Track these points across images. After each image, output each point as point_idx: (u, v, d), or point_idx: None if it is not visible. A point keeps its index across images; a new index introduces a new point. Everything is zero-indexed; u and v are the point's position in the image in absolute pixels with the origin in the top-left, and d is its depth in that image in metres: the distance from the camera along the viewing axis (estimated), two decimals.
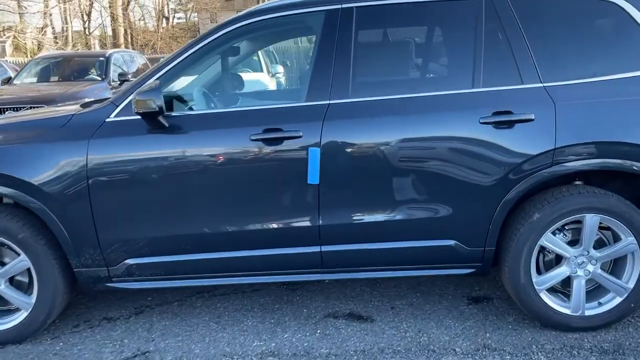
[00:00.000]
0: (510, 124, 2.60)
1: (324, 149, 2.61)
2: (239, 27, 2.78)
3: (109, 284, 2.84)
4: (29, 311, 2.80)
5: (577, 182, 2.81)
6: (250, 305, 3.17)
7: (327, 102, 2.67)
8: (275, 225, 2.72)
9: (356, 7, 2.71)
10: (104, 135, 2.69)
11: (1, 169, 2.67)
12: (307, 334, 2.83)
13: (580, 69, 2.68)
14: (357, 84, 2.72)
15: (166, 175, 2.67)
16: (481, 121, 2.59)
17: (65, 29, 29.27)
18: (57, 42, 27.13)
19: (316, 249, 2.74)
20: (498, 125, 2.60)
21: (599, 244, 2.75)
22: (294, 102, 2.91)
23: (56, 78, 9.31)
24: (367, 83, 2.81)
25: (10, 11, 25.67)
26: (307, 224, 2.70)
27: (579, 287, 2.71)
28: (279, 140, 2.63)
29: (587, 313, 2.73)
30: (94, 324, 3.06)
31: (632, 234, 2.64)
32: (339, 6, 2.71)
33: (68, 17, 29.24)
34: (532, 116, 2.58)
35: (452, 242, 2.72)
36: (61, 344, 2.86)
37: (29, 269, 2.78)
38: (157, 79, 2.72)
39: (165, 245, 2.76)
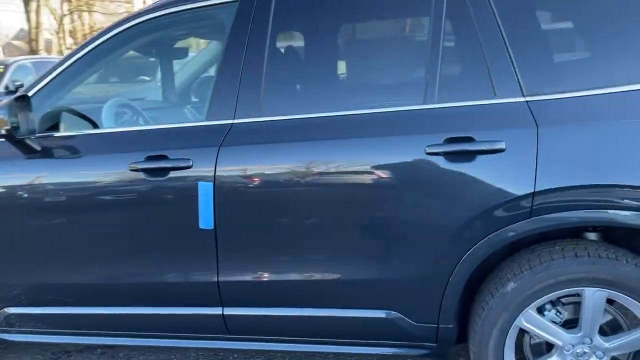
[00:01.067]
0: (469, 156, 1.82)
1: (219, 184, 1.98)
2: (135, 24, 2.20)
3: None
4: None
5: (590, 234, 1.97)
6: None
7: (231, 121, 2.03)
8: (166, 280, 2.13)
9: None
10: None
11: None
12: None
13: (585, 76, 1.85)
14: (272, 97, 2.05)
15: (34, 210, 2.17)
16: (428, 151, 1.83)
17: None
18: None
19: (218, 310, 2.11)
20: (451, 157, 1.83)
21: (612, 328, 1.91)
22: (190, 121, 2.30)
23: None
24: (286, 96, 2.12)
25: None
26: (204, 279, 2.09)
27: None
28: (163, 171, 2.03)
29: None
30: None
31: None
32: None
33: None
34: (503, 145, 1.79)
35: (390, 314, 1.98)
36: None
37: None
38: (34, 90, 2.21)
39: (42, 294, 2.27)
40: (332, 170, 1.93)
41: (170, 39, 2.82)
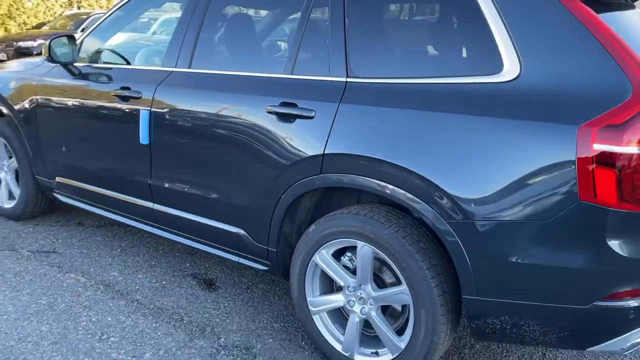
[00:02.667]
0: (291, 118, 2.30)
1: (155, 111, 2.77)
2: None
3: (53, 194, 3.62)
4: None
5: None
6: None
7: (172, 69, 2.79)
8: (124, 175, 3.03)
9: None
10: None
11: None
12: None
13: (389, 64, 2.17)
14: (201, 53, 2.74)
15: (70, 112, 3.24)
16: (267, 109, 2.36)
17: None
18: None
19: (149, 204, 2.96)
20: (280, 116, 2.33)
21: (391, 284, 2.24)
22: (151, 65, 3.07)
23: None
24: (207, 55, 2.77)
25: None
26: (142, 180, 2.93)
27: (352, 324, 2.28)
28: (126, 98, 2.89)
29: (357, 358, 2.29)
30: (70, 225, 3.92)
31: (405, 282, 2.08)
32: None
33: None
34: (313, 113, 2.23)
35: (240, 231, 2.59)
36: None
37: None
38: (84, 34, 3.26)
39: (74, 172, 3.36)
40: (210, 114, 2.58)
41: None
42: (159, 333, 2.61)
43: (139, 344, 2.52)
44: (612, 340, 1.87)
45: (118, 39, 3.27)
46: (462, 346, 2.59)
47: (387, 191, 2.04)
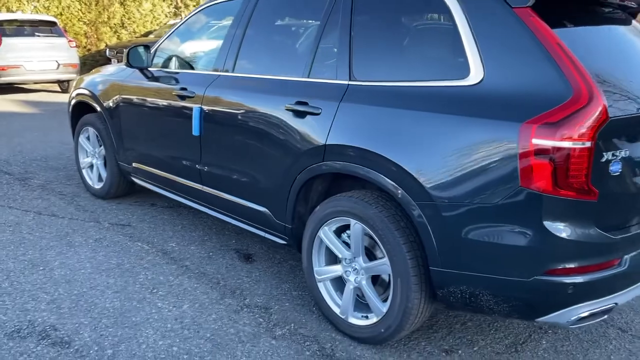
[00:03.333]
0: (302, 114, 2.74)
1: (204, 108, 3.33)
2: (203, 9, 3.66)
3: (131, 177, 4.32)
4: None
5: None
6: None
7: (219, 73, 3.34)
8: (181, 161, 3.63)
9: None
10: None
11: None
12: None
13: (384, 70, 2.54)
14: (242, 60, 3.26)
15: (144, 108, 3.90)
16: (285, 107, 2.82)
17: None
18: None
19: (200, 186, 3.53)
20: (295, 113, 2.78)
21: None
22: (204, 70, 3.61)
23: None
24: (246, 61, 3.28)
25: None
26: (194, 165, 3.50)
27: (348, 291, 2.68)
28: (184, 97, 3.48)
29: (351, 320, 2.68)
30: (145, 205, 4.63)
31: (386, 254, 2.45)
32: None
33: None
34: (319, 111, 2.66)
35: (264, 209, 3.07)
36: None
37: None
38: (157, 44, 3.91)
39: (146, 159, 4.03)
40: (242, 111, 3.08)
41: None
42: (198, 292, 3.15)
43: (180, 297, 3.07)
44: (556, 313, 2.13)
45: (184, 47, 3.88)
46: (454, 322, 2.89)
47: (371, 176, 2.43)
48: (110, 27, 17.24)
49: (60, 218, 4.25)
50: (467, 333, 2.81)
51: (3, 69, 10.88)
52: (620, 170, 2.08)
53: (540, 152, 1.98)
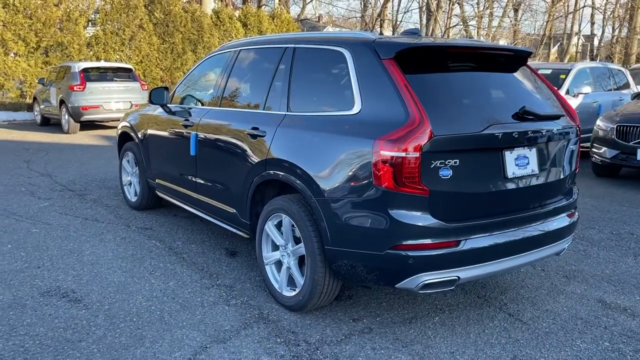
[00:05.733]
0: (254, 136, 3.67)
1: (199, 134, 4.35)
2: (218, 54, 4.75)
3: (156, 191, 5.41)
4: None
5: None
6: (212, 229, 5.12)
7: (210, 107, 4.37)
8: (184, 175, 4.65)
9: (238, 50, 4.25)
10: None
11: None
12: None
13: (309, 104, 3.44)
14: (225, 97, 4.27)
15: (164, 137, 5.00)
16: (246, 132, 3.77)
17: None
18: None
19: (195, 194, 4.52)
20: (251, 136, 3.71)
21: None
22: (202, 105, 4.62)
23: None
24: (227, 99, 4.27)
25: None
26: (191, 178, 4.51)
27: (283, 270, 3.52)
28: (187, 126, 4.52)
29: (284, 293, 3.51)
30: (168, 215, 5.70)
31: (303, 240, 3.29)
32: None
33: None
34: (264, 133, 3.58)
35: (234, 210, 3.99)
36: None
37: None
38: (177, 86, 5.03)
39: (163, 175, 5.10)
40: (218, 136, 4.06)
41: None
42: (184, 274, 4.09)
43: (170, 277, 4.02)
44: (407, 280, 2.87)
45: (191, 87, 4.97)
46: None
47: (290, 179, 3.30)
48: (183, 72, 19.25)
49: (100, 222, 5.39)
50: (378, 309, 3.54)
51: (85, 109, 12.69)
52: (450, 175, 2.83)
53: (386, 160, 2.78)
